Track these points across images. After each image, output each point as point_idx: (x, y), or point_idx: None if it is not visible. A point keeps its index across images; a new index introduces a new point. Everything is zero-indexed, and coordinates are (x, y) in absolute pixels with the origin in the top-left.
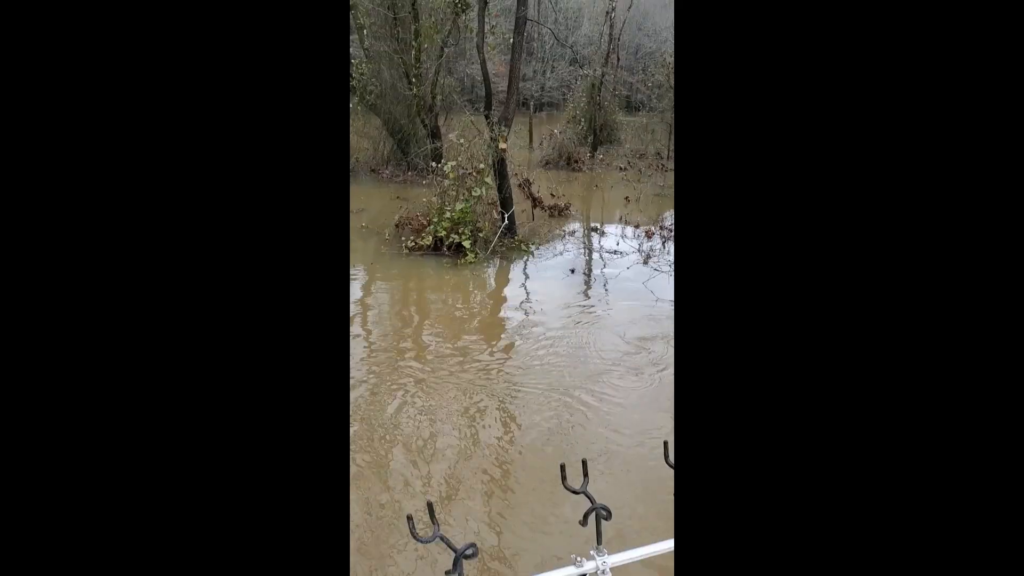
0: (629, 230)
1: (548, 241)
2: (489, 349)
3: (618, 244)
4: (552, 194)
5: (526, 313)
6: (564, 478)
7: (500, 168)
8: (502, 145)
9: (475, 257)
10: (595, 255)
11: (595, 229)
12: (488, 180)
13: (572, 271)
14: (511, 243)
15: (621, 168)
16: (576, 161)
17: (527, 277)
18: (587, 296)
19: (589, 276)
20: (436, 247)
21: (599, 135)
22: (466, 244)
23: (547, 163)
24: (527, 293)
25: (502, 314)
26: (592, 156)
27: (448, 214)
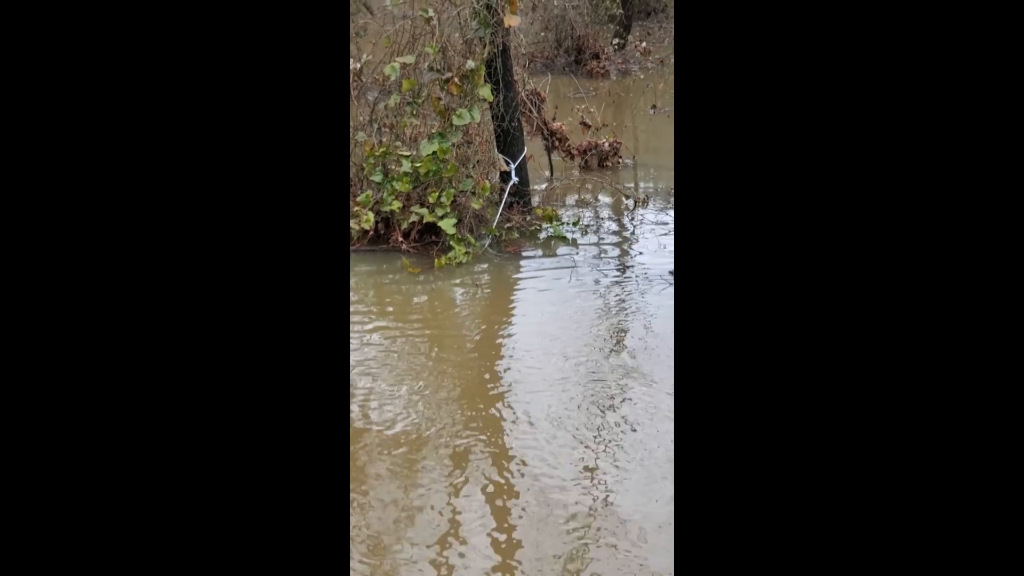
0: None
1: (588, 223)
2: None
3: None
4: (584, 120)
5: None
6: None
7: (504, 66)
8: (511, 17)
9: (465, 252)
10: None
11: (636, 203)
12: (484, 89)
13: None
14: (524, 223)
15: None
16: (596, 57)
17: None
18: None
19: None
20: (378, 235)
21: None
22: (447, 227)
23: (534, 60)
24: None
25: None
26: (621, 45)
27: (405, 165)
